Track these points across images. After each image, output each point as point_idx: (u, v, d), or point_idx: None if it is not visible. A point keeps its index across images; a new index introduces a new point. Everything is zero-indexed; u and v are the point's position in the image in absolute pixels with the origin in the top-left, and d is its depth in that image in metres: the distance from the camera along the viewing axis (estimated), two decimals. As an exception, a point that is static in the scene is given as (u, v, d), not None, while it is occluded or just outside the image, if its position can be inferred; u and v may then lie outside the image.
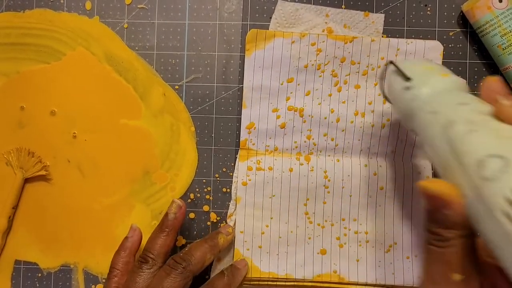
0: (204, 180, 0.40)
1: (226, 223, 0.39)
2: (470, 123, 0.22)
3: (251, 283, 0.38)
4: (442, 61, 0.38)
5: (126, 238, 0.36)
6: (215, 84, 0.39)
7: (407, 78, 0.28)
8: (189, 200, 0.39)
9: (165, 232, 0.34)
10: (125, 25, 0.40)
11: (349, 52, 0.38)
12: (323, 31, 0.38)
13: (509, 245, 0.18)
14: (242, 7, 0.39)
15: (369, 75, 0.38)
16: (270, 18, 0.39)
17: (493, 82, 0.24)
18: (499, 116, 0.22)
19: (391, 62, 0.30)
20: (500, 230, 0.19)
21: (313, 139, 0.38)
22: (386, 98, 0.32)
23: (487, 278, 0.23)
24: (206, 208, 0.39)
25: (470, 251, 0.22)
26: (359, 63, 0.38)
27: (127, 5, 0.40)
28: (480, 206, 0.20)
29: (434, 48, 0.38)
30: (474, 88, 0.39)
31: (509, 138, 0.20)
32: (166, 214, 0.35)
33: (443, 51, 0.38)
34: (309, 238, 0.38)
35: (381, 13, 0.39)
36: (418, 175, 0.38)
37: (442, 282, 0.22)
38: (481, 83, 0.25)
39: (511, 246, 0.18)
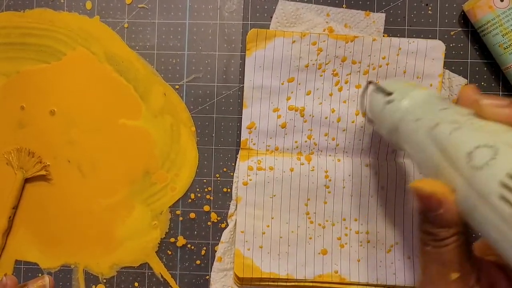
0: (204, 180, 0.39)
1: (227, 223, 0.39)
2: (454, 122, 0.23)
3: (252, 283, 0.38)
4: (444, 61, 0.38)
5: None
6: (215, 84, 0.39)
7: (388, 93, 0.29)
8: (190, 200, 0.39)
9: None
10: (126, 25, 0.40)
11: (350, 52, 0.38)
12: (324, 30, 0.38)
13: (509, 230, 0.18)
14: (242, 6, 0.39)
15: (370, 74, 0.38)
16: (271, 17, 0.39)
17: (469, 90, 0.25)
18: (481, 115, 0.23)
19: (370, 82, 0.31)
20: (498, 216, 0.19)
21: (313, 139, 0.38)
22: (367, 119, 0.32)
23: (484, 274, 0.23)
24: (206, 208, 0.39)
25: (466, 248, 0.22)
26: (360, 63, 0.38)
27: (128, 4, 0.40)
28: (474, 198, 0.20)
29: (436, 47, 0.37)
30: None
31: (493, 131, 0.21)
32: (24, 286, 0.30)
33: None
34: (310, 238, 0.38)
35: (382, 12, 0.39)
36: (419, 175, 0.38)
37: (441, 282, 0.22)
38: (458, 93, 0.25)
39: (511, 230, 0.18)
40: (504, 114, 0.22)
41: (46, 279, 0.31)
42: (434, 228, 0.22)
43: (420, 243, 0.24)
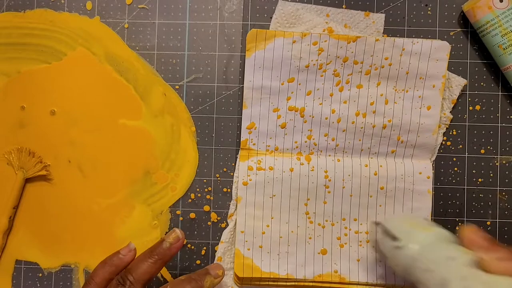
0: (204, 180, 0.40)
1: (227, 223, 0.39)
2: (464, 279, 0.25)
3: (252, 283, 0.38)
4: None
5: (118, 253, 0.33)
6: (215, 84, 0.39)
7: (396, 238, 0.31)
8: (190, 200, 0.39)
9: (153, 259, 0.31)
10: (126, 25, 0.40)
11: (352, 52, 0.37)
12: (323, 31, 0.38)
13: None
14: (242, 7, 0.39)
15: (372, 75, 0.38)
16: (271, 18, 0.39)
17: (470, 234, 0.28)
18: (484, 269, 0.25)
19: (378, 224, 0.34)
20: None
21: (313, 139, 0.38)
22: (380, 254, 0.34)
23: None
24: (206, 208, 0.39)
25: None
26: (362, 63, 0.38)
27: (128, 5, 0.40)
28: None
29: (441, 48, 0.37)
30: (475, 88, 0.39)
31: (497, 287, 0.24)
32: (162, 241, 0.32)
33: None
34: (310, 238, 0.38)
35: (381, 13, 0.39)
36: (418, 176, 0.38)
37: None
38: (459, 233, 0.28)
39: None
40: (506, 268, 0.25)
41: (177, 231, 0.33)
42: None
43: None
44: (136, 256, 0.33)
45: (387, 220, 0.34)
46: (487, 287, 0.24)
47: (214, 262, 0.39)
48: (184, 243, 0.39)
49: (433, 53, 0.37)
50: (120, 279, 0.31)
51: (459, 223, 0.39)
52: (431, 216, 0.39)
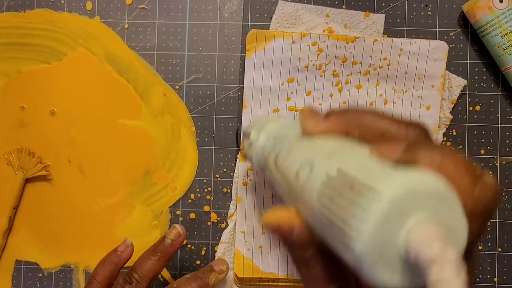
0: (204, 180, 0.40)
1: (227, 223, 0.39)
2: (289, 150, 0.25)
3: (252, 283, 0.38)
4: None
5: (115, 250, 0.33)
6: (215, 84, 0.39)
7: (247, 136, 0.30)
8: (190, 201, 0.39)
9: (156, 256, 0.32)
10: (126, 25, 0.40)
11: (351, 52, 0.38)
12: (323, 31, 0.38)
13: (332, 227, 0.18)
14: (242, 7, 0.39)
15: (371, 75, 0.38)
16: (271, 18, 0.39)
17: (302, 111, 0.26)
18: (307, 135, 0.24)
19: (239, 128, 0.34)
20: (324, 218, 0.18)
21: (313, 139, 0.38)
22: (249, 162, 0.34)
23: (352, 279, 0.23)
24: (206, 208, 0.39)
25: (334, 264, 0.22)
26: (361, 63, 0.38)
27: (128, 5, 0.40)
28: (309, 213, 0.20)
29: (439, 48, 0.37)
30: (475, 88, 0.39)
31: (312, 148, 0.23)
32: (163, 238, 0.33)
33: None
34: (310, 238, 0.38)
35: (381, 13, 0.39)
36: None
37: None
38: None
39: (334, 228, 0.18)
40: (322, 129, 0.23)
41: (178, 227, 0.33)
42: (296, 252, 0.22)
43: (296, 270, 0.24)
44: (133, 251, 0.34)
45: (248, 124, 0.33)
46: (301, 151, 0.23)
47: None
48: (185, 241, 0.39)
49: (431, 53, 0.37)
50: (126, 277, 0.32)
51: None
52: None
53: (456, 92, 0.38)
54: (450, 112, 0.39)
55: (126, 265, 0.34)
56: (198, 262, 0.39)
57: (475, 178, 0.17)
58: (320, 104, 0.38)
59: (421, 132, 0.21)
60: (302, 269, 0.23)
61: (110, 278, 0.33)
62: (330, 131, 0.23)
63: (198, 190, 0.39)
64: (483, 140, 0.39)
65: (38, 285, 0.40)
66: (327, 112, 0.24)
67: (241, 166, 0.38)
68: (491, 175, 0.39)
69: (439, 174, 0.16)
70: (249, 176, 0.38)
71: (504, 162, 0.39)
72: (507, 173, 0.39)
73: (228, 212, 0.39)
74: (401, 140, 0.20)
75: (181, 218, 0.39)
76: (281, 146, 0.26)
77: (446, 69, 0.38)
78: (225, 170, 0.39)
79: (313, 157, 0.21)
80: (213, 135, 0.39)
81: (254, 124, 0.31)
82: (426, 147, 0.18)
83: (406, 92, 0.38)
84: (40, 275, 0.40)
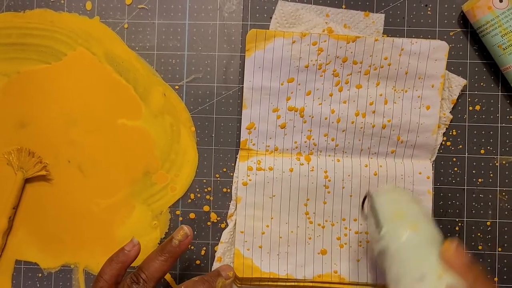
0: (204, 180, 0.40)
1: (227, 223, 0.39)
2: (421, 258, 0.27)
3: (252, 283, 0.38)
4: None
5: (122, 249, 0.33)
6: (215, 84, 0.39)
7: (379, 224, 0.31)
8: (189, 201, 0.39)
9: (164, 257, 0.32)
10: (126, 25, 0.40)
11: (352, 52, 0.37)
12: (323, 31, 0.38)
13: None
14: (242, 7, 0.39)
15: (371, 75, 0.38)
16: (271, 18, 0.39)
17: (446, 253, 0.28)
18: (447, 266, 0.27)
19: (369, 196, 0.33)
20: None
21: (313, 139, 0.38)
22: (365, 217, 0.34)
23: None
24: (206, 208, 0.39)
25: None
26: (361, 63, 0.38)
27: (128, 5, 0.40)
28: None
29: (439, 48, 0.37)
30: (475, 88, 0.39)
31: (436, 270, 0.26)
32: (171, 239, 0.33)
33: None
34: (310, 238, 0.38)
35: (381, 13, 0.39)
36: (418, 176, 0.38)
37: None
38: (443, 247, 0.28)
39: None
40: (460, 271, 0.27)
41: (185, 228, 0.34)
42: None
43: None
44: (140, 250, 0.34)
45: (377, 195, 0.33)
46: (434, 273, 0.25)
47: (214, 262, 0.39)
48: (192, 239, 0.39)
49: (431, 53, 0.37)
50: (133, 277, 0.32)
51: (459, 223, 0.39)
52: (432, 217, 0.38)
53: (456, 92, 0.38)
54: (450, 112, 0.39)
55: (132, 264, 0.34)
56: (198, 262, 0.39)
57: None
58: (320, 104, 0.38)
59: None
60: None
61: (117, 277, 0.33)
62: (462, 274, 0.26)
63: (198, 190, 0.39)
64: (483, 140, 0.39)
65: (38, 285, 0.40)
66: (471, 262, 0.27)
67: (241, 166, 0.38)
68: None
69: None
70: (249, 176, 0.38)
71: (504, 162, 0.39)
72: (507, 172, 0.39)
73: (228, 212, 0.39)
74: None
75: (181, 218, 0.39)
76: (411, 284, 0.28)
77: (446, 69, 0.38)
78: (225, 170, 0.39)
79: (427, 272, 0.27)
80: (213, 135, 0.39)
81: (388, 209, 0.31)
82: None
83: (406, 92, 0.38)
84: (40, 275, 0.40)
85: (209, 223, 0.39)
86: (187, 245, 0.33)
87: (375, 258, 0.32)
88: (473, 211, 0.39)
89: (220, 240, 0.39)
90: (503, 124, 0.39)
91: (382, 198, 0.32)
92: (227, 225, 0.39)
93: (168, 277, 0.39)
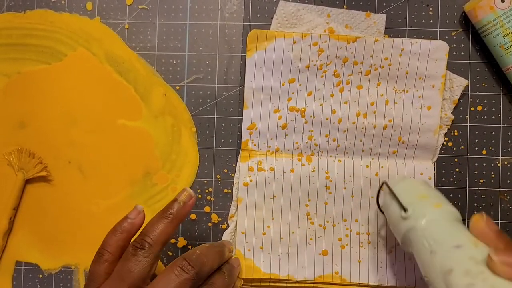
0: (205, 181, 0.39)
1: (228, 224, 0.39)
2: (468, 274, 0.25)
3: (253, 284, 0.38)
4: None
5: (126, 218, 0.31)
6: (216, 85, 0.39)
7: (404, 208, 0.31)
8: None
9: (168, 219, 0.30)
10: (126, 26, 0.40)
11: (352, 52, 0.37)
12: (324, 31, 0.38)
13: None
14: (243, 7, 0.39)
15: (372, 75, 0.38)
16: (272, 18, 0.39)
17: (481, 224, 0.27)
18: (491, 269, 0.25)
19: (386, 184, 0.33)
20: None
21: (314, 139, 0.38)
22: (381, 211, 0.35)
23: None
24: (207, 209, 0.39)
25: None
26: (362, 63, 0.38)
27: (128, 5, 0.40)
28: None
29: (439, 48, 0.37)
30: (477, 88, 0.39)
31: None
32: (174, 200, 0.31)
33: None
34: (311, 239, 0.38)
35: (382, 13, 0.39)
36: (420, 176, 0.38)
37: None
38: (470, 224, 0.28)
39: None
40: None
41: (188, 189, 0.32)
42: None
43: None
44: (144, 219, 0.32)
45: (395, 183, 0.33)
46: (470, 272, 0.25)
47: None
48: (185, 242, 0.39)
49: (432, 53, 0.37)
50: (137, 243, 0.29)
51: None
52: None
53: (458, 92, 0.38)
54: (452, 112, 0.39)
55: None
56: (198, 263, 0.39)
57: None
58: (321, 105, 0.38)
59: None
60: None
61: (123, 248, 0.30)
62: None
63: (198, 190, 0.39)
64: (484, 141, 0.39)
65: (38, 286, 0.40)
66: None
67: (242, 167, 0.38)
68: None
69: None
70: (250, 176, 0.38)
71: (506, 163, 0.39)
72: (508, 173, 0.39)
73: (229, 213, 0.39)
74: None
75: (181, 219, 0.39)
76: (449, 257, 0.27)
77: (447, 69, 0.38)
78: (225, 170, 0.39)
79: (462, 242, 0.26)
80: (214, 135, 0.39)
81: (410, 197, 0.31)
82: None
83: (407, 92, 0.38)
84: (40, 276, 0.40)
85: (210, 224, 0.39)
86: (191, 206, 0.32)
87: (400, 244, 0.32)
88: (475, 212, 0.39)
89: (221, 241, 0.39)
90: (505, 125, 0.39)
91: (400, 185, 0.33)
92: (228, 226, 0.39)
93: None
